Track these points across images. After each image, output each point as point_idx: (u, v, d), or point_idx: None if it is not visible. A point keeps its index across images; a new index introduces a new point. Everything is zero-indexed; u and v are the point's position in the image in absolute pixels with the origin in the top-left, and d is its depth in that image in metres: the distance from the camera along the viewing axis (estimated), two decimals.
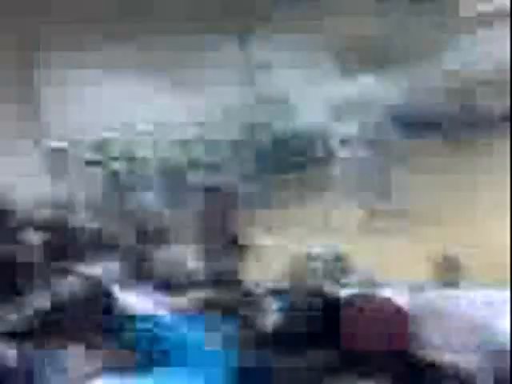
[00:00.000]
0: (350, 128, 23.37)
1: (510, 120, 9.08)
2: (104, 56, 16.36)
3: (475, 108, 20.36)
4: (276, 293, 4.94)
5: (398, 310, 3.94)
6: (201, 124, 20.00)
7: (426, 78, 24.65)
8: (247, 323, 4.29)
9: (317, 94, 22.14)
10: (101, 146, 17.17)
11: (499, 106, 19.56)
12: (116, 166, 17.21)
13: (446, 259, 3.80)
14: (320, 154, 22.45)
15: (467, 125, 17.32)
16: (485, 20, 21.82)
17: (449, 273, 3.71)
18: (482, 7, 22.18)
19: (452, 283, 3.66)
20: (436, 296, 3.69)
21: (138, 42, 16.91)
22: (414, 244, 8.35)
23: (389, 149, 10.10)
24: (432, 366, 3.54)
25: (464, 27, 22.96)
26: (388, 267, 5.93)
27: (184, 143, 19.39)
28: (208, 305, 6.44)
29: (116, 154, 17.46)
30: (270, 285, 5.39)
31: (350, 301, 4.24)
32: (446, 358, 3.50)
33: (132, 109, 16.32)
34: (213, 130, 20.43)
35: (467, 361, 3.45)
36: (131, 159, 17.56)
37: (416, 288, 4.47)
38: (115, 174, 16.64)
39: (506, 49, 20.90)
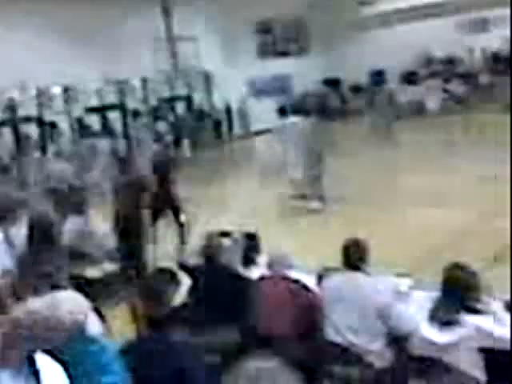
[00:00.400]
0: (268, 105, 23.56)
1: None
2: (10, 17, 15.67)
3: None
4: (188, 269, 4.90)
5: (308, 292, 4.03)
6: (118, 92, 19.44)
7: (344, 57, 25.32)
8: (159, 298, 4.24)
9: (236, 70, 22.13)
10: (12, 106, 16.43)
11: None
12: (27, 128, 16.47)
13: (356, 244, 3.88)
14: (238, 129, 22.52)
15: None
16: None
17: (357, 257, 3.79)
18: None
19: (360, 268, 3.75)
20: (343, 279, 3.77)
21: (57, 6, 16.23)
22: (326, 228, 8.55)
23: (311, 129, 10.24)
24: (337, 347, 3.63)
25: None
26: (300, 250, 6.05)
27: (100, 110, 18.81)
28: (119, 277, 6.33)
29: (26, 116, 16.71)
30: (183, 260, 5.36)
31: (260, 281, 4.30)
32: (350, 339, 3.59)
33: (46, 72, 15.62)
34: (130, 99, 19.92)
35: (370, 343, 3.56)
36: (44, 123, 16.85)
37: (325, 271, 4.57)
38: (27, 137, 15.90)
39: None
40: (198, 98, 22.57)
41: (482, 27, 23.48)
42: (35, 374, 1.26)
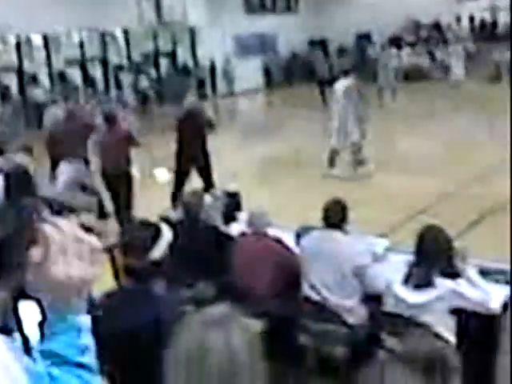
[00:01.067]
0: (253, 64, 23.29)
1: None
2: None
3: None
4: (169, 223, 4.91)
5: (286, 250, 4.08)
6: (100, 43, 19.04)
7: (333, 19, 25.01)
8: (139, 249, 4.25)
9: (222, 26, 21.73)
10: None
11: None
12: (6, 78, 16.14)
13: (336, 204, 3.90)
14: (222, 88, 22.26)
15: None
16: None
17: (337, 217, 3.82)
18: None
19: (339, 228, 3.79)
20: (321, 238, 3.81)
21: None
22: (307, 189, 8.59)
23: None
24: (313, 303, 3.70)
25: None
26: (280, 209, 6.09)
27: (81, 63, 18.44)
28: (97, 233, 6.30)
29: (5, 66, 16.35)
30: (165, 215, 5.36)
31: (240, 237, 4.33)
32: (326, 296, 3.66)
33: (26, 20, 15.16)
34: (113, 53, 19.55)
35: (345, 301, 3.64)
36: (23, 74, 16.49)
37: (304, 230, 4.62)
38: (6, 87, 15.58)
39: None
40: (182, 54, 22.21)
41: None
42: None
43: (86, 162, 6.79)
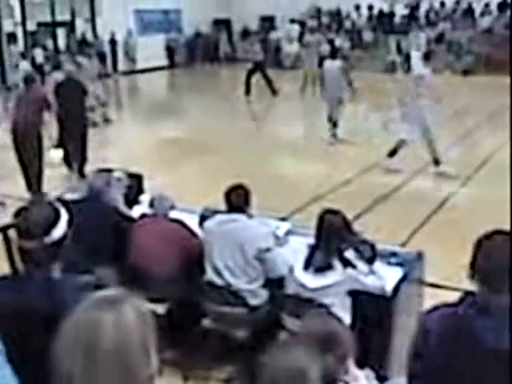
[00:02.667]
0: (156, 42, 22.75)
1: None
2: None
3: None
4: (67, 204, 4.72)
5: (189, 232, 4.06)
6: None
7: None
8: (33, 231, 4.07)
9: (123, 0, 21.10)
10: None
11: None
12: None
13: (239, 188, 3.92)
14: (123, 64, 21.61)
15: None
16: None
17: (240, 201, 3.84)
18: None
19: (242, 211, 3.81)
20: (224, 221, 3.81)
21: None
22: (209, 171, 8.56)
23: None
24: (215, 286, 3.72)
25: None
26: (184, 192, 6.04)
27: None
28: None
29: None
30: (62, 195, 5.16)
31: (141, 219, 4.24)
32: (228, 279, 3.68)
33: None
34: (7, 21, 18.40)
35: (247, 284, 3.68)
36: None
37: (208, 212, 4.61)
38: None
39: None
40: (81, 25, 21.30)
41: None
42: None
43: None
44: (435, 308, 2.14)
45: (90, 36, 21.29)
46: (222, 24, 25.75)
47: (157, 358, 1.36)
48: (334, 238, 3.42)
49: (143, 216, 4.30)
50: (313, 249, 3.47)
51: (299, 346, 2.08)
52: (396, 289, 3.49)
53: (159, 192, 4.38)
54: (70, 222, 4.25)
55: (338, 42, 22.81)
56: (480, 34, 20.69)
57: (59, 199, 4.99)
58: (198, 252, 3.89)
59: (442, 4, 22.68)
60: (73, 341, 1.27)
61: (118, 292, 1.37)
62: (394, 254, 3.88)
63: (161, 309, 3.61)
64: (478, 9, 21.89)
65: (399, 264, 3.75)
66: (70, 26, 21.10)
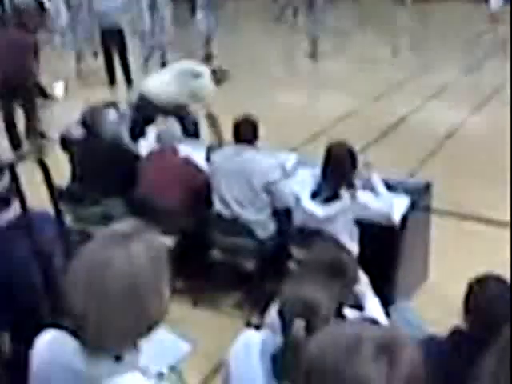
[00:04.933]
0: None
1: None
2: None
3: None
4: (70, 141, 4.71)
5: (195, 166, 4.05)
6: None
7: None
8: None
9: None
10: None
11: None
12: None
13: (247, 121, 3.87)
14: None
15: None
16: None
17: (248, 133, 3.81)
18: None
19: (250, 144, 3.78)
20: (232, 154, 3.80)
21: None
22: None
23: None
24: (224, 218, 3.75)
25: None
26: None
27: None
28: None
29: None
30: (66, 133, 5.11)
31: (149, 155, 4.23)
32: (236, 211, 3.71)
33: None
34: None
35: (255, 215, 3.71)
36: None
37: (215, 145, 4.59)
38: None
39: None
40: None
41: None
42: None
43: None
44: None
45: None
46: None
47: (168, 290, 1.37)
48: (341, 169, 3.41)
49: (150, 152, 4.27)
50: (320, 180, 3.47)
51: (308, 276, 2.11)
52: (404, 218, 3.51)
53: (167, 125, 4.34)
54: (72, 159, 4.27)
55: None
56: None
57: (63, 137, 4.97)
58: (205, 186, 3.89)
59: None
60: (85, 279, 1.27)
61: (130, 226, 1.35)
62: (401, 184, 3.88)
63: (169, 241, 3.65)
64: None
65: (407, 193, 3.74)
66: None
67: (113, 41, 9.02)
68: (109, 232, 1.33)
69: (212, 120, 5.39)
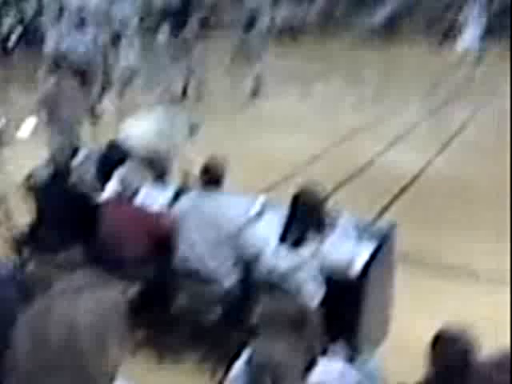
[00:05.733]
0: None
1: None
2: None
3: None
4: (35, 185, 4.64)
5: (157, 214, 3.99)
6: None
7: None
8: None
9: None
10: None
11: None
12: None
13: (214, 163, 3.86)
14: None
15: None
16: None
17: (215, 177, 3.79)
18: None
19: (217, 187, 3.76)
20: (197, 201, 3.78)
21: None
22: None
23: None
24: (188, 267, 3.70)
25: None
26: None
27: None
28: None
29: None
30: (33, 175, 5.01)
31: (109, 202, 4.16)
32: (201, 259, 3.66)
33: None
34: None
35: (219, 264, 3.67)
36: None
37: (180, 190, 4.55)
38: None
39: None
40: None
41: None
42: None
43: None
44: None
45: None
46: None
47: (124, 344, 1.32)
48: (307, 214, 3.42)
49: (110, 199, 4.21)
50: (287, 224, 3.46)
51: (272, 331, 2.08)
52: (366, 266, 3.52)
53: (131, 170, 4.30)
54: (36, 202, 4.19)
55: (313, 13, 22.62)
56: None
57: (28, 179, 4.88)
58: (168, 233, 3.84)
59: None
60: (28, 333, 1.23)
61: (83, 277, 1.32)
62: (365, 229, 3.90)
63: (132, 290, 3.58)
64: None
65: (371, 238, 3.77)
66: None
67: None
68: (60, 284, 1.30)
69: (185, 174, 5.52)
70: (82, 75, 8.58)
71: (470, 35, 13.08)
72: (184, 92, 11.31)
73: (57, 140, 5.29)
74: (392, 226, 4.04)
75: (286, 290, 3.22)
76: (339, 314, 2.87)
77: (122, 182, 4.09)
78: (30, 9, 19.36)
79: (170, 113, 5.64)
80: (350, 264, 3.45)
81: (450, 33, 14.14)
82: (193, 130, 5.77)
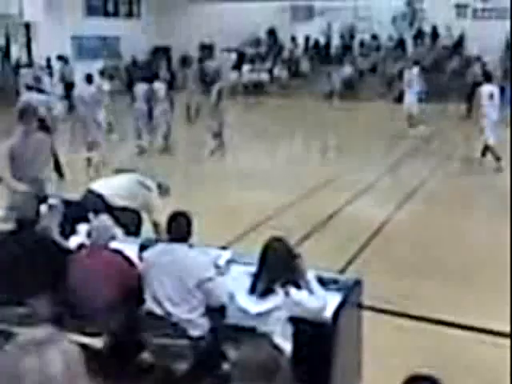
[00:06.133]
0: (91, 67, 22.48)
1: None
2: None
3: None
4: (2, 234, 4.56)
5: (128, 263, 3.97)
6: None
7: None
8: None
9: (60, 25, 20.81)
10: None
11: None
12: None
13: (182, 216, 3.87)
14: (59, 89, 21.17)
15: None
16: None
17: (183, 230, 3.81)
18: None
19: (183, 241, 3.77)
20: (165, 250, 3.77)
21: None
22: None
23: None
24: (155, 317, 3.65)
25: None
26: None
27: None
28: None
29: None
30: None
31: (78, 251, 4.12)
32: (168, 310, 3.63)
33: None
34: None
35: (187, 314, 3.64)
36: None
37: (148, 241, 4.54)
38: None
39: None
40: (16, 50, 20.84)
41: (307, 15, 24.73)
42: None
43: None
44: None
45: (25, 61, 20.81)
46: (162, 51, 25.72)
47: None
48: (276, 264, 3.44)
49: (80, 247, 4.19)
50: (256, 275, 3.47)
51: (241, 376, 2.07)
52: (335, 315, 3.53)
53: (98, 222, 4.27)
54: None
55: (276, 71, 23.31)
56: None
57: None
58: (137, 283, 3.81)
59: (374, 37, 23.47)
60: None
61: (44, 333, 1.31)
62: (332, 281, 3.93)
63: (98, 342, 3.51)
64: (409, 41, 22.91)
65: (338, 290, 3.80)
66: (5, 51, 20.61)
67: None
68: (22, 340, 1.29)
69: (156, 228, 5.67)
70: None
71: (410, 95, 14.33)
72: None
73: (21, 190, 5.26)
74: (358, 280, 4.06)
75: (255, 337, 3.20)
76: (310, 362, 2.86)
77: (93, 231, 4.07)
78: None
79: (140, 177, 5.75)
80: (320, 312, 3.45)
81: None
82: (165, 191, 5.93)
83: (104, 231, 4.10)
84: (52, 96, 12.84)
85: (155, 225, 5.68)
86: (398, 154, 11.84)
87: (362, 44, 23.57)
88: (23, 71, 18.19)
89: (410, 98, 14.22)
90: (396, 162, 11.20)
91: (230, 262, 4.24)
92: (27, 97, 9.71)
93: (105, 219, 4.21)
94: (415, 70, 14.65)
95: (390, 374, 3.02)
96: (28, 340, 1.26)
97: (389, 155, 11.89)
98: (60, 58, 19.59)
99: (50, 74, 20.73)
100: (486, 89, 10.24)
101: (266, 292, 3.38)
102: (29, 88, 11.35)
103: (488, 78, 10.83)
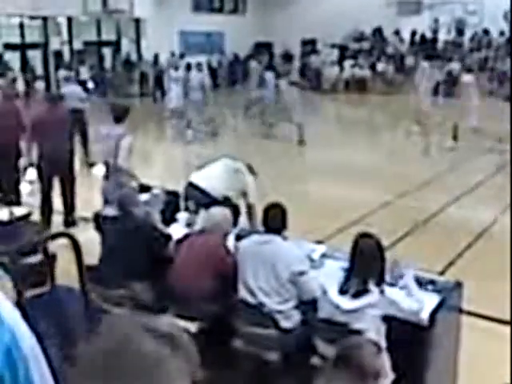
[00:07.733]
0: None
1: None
2: None
3: None
4: (103, 219, 4.80)
5: (226, 253, 4.04)
6: (42, 29, 18.40)
7: None
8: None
9: (168, 21, 21.51)
10: None
11: None
12: None
13: (277, 207, 3.89)
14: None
15: None
16: None
17: (277, 221, 3.82)
18: None
19: (278, 233, 3.79)
20: (260, 241, 3.80)
21: None
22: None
23: None
24: (248, 306, 3.69)
25: None
26: None
27: (20, 47, 17.73)
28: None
29: None
30: (100, 211, 5.22)
31: (180, 239, 4.25)
32: (261, 300, 3.66)
33: None
34: (54, 39, 18.93)
35: (279, 305, 3.65)
36: None
37: (244, 232, 4.60)
38: None
39: None
40: (126, 45, 21.82)
41: (415, 9, 24.02)
42: None
43: None
44: None
45: (134, 56, 21.75)
46: (264, 47, 25.96)
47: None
48: (368, 262, 3.37)
49: (187, 236, 4.28)
50: (348, 273, 3.42)
51: (334, 372, 2.04)
52: (432, 317, 3.41)
53: (212, 212, 4.32)
54: (104, 239, 4.31)
55: (380, 67, 22.84)
56: None
57: (97, 215, 5.08)
58: (233, 271, 3.88)
59: (486, 32, 22.43)
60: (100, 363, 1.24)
61: (165, 323, 1.33)
62: (431, 282, 3.79)
63: (193, 327, 3.60)
64: None
65: (436, 291, 3.65)
66: (116, 46, 21.61)
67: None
68: (149, 326, 1.30)
69: (251, 210, 5.79)
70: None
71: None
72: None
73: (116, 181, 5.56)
74: (458, 283, 3.89)
75: (348, 333, 3.15)
76: (404, 363, 2.78)
77: (209, 220, 4.16)
78: None
79: (234, 163, 5.83)
80: (416, 313, 3.34)
81: None
82: (254, 171, 5.97)
83: (213, 222, 4.15)
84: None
85: (249, 207, 5.78)
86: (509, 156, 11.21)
87: (472, 39, 22.58)
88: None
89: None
90: (506, 163, 10.61)
91: (324, 256, 4.21)
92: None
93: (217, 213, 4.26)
94: None
95: (487, 381, 2.87)
96: (146, 325, 1.27)
97: (499, 156, 11.27)
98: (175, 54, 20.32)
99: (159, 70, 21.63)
100: None
101: (360, 291, 3.31)
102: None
103: None
